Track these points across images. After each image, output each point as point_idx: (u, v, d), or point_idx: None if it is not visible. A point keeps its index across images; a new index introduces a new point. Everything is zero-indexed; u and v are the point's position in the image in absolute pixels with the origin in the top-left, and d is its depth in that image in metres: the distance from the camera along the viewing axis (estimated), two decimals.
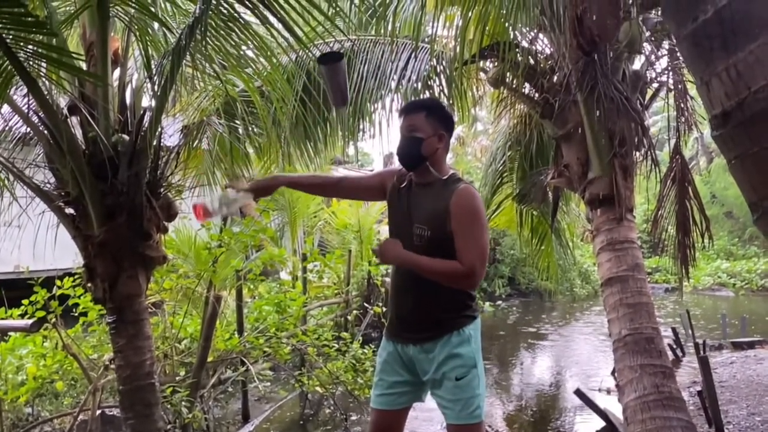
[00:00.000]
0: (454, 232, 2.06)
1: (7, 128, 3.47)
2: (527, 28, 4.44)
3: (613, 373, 5.23)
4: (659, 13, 4.21)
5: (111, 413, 4.70)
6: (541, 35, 4.71)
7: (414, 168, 2.22)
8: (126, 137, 2.92)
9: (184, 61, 2.87)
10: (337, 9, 3.34)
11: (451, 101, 4.89)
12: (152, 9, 3.16)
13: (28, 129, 3.06)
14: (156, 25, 3.33)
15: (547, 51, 4.78)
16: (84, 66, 2.99)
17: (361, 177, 2.43)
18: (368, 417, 2.49)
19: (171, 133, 4.12)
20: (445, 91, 4.88)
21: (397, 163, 2.34)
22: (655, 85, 4.91)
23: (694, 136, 17.00)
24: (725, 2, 1.65)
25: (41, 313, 4.45)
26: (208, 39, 2.87)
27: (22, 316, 4.68)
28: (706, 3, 1.70)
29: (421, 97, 4.80)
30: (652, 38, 4.77)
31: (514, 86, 4.95)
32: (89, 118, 2.84)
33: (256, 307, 6.46)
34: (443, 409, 2.19)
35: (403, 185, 2.27)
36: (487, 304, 13.37)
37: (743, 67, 1.64)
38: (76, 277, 4.64)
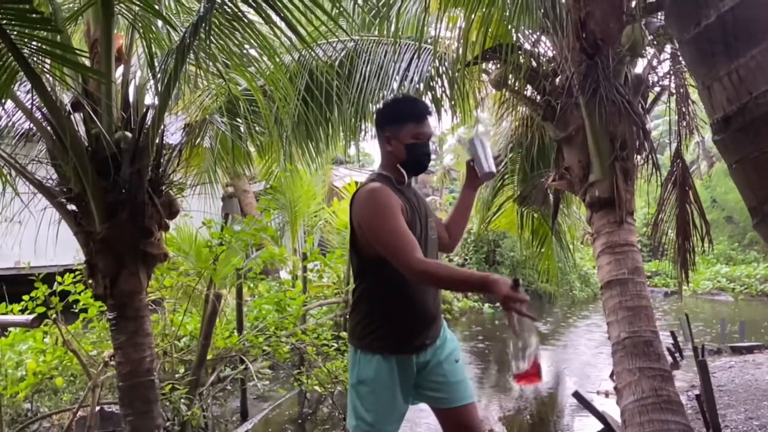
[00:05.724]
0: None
1: (10, 124, 3.48)
2: (530, 31, 4.45)
3: (611, 375, 5.24)
4: (662, 16, 4.22)
5: (110, 410, 4.70)
6: (543, 38, 4.71)
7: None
8: (129, 134, 2.93)
9: (188, 59, 2.88)
10: (341, 9, 3.35)
11: (453, 102, 4.90)
12: (156, 7, 3.17)
13: (32, 125, 3.08)
14: (160, 23, 3.34)
15: (550, 54, 4.79)
16: (88, 63, 3.00)
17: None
18: None
19: (173, 131, 4.13)
20: (448, 92, 4.89)
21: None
22: (657, 88, 4.90)
23: (696, 140, 17.01)
24: (728, 7, 1.66)
25: (41, 309, 4.46)
26: (211, 37, 2.88)
27: (22, 311, 4.70)
28: (709, 8, 1.71)
29: (423, 99, 4.81)
30: (655, 42, 4.77)
31: (516, 88, 4.96)
32: (92, 114, 2.85)
33: (256, 306, 6.47)
34: (448, 394, 2.16)
35: (400, 185, 2.17)
36: (486, 306, 13.37)
37: (745, 72, 1.65)
38: (76, 273, 4.66)
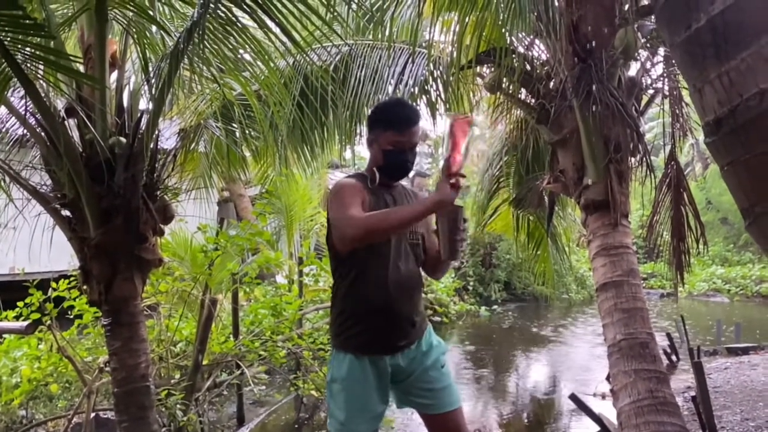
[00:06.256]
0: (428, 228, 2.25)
1: (4, 130, 3.48)
2: (523, 34, 4.47)
3: (607, 377, 5.24)
4: (655, 20, 4.24)
5: (105, 416, 4.68)
6: (537, 41, 4.73)
7: (405, 177, 2.26)
8: (123, 140, 2.93)
9: (182, 64, 2.88)
10: (335, 14, 3.36)
11: (447, 106, 4.91)
12: (150, 12, 3.17)
13: (25, 131, 3.07)
14: (154, 28, 3.34)
15: (543, 57, 4.81)
16: (82, 68, 3.00)
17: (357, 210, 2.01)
18: None
19: (168, 136, 4.12)
20: (442, 95, 4.90)
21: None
22: (651, 91, 4.93)
23: (690, 142, 17.06)
24: (718, 11, 1.67)
25: (36, 316, 4.44)
26: (205, 42, 2.88)
27: (17, 318, 4.68)
28: (699, 11, 1.71)
29: (419, 102, 4.82)
30: (648, 45, 4.79)
31: (510, 92, 4.97)
32: (86, 120, 2.85)
33: (252, 311, 6.47)
34: (433, 400, 2.18)
35: (372, 185, 2.18)
36: (483, 308, 13.38)
37: (735, 74, 1.66)
38: (71, 279, 4.64)
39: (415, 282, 2.19)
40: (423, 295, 2.33)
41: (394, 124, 2.13)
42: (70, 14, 3.15)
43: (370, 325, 2.10)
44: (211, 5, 2.71)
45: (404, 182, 2.36)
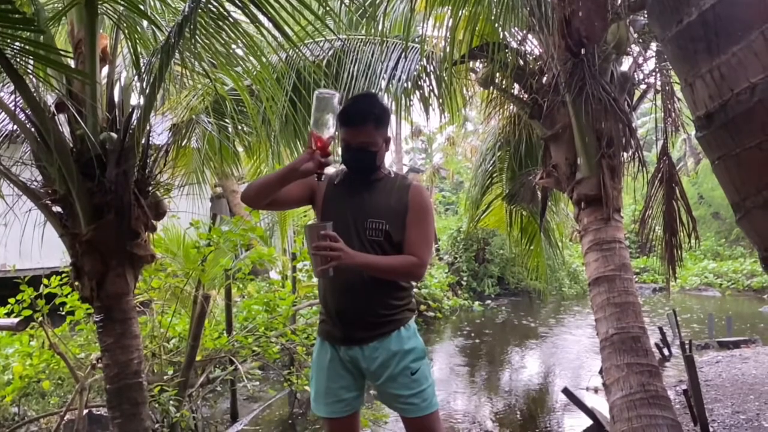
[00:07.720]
0: (410, 224, 2.15)
1: None
2: (516, 29, 4.47)
3: (600, 371, 5.28)
4: (646, 14, 4.25)
5: (98, 412, 4.67)
6: (530, 36, 4.73)
7: (368, 176, 2.22)
8: (114, 135, 2.90)
9: (173, 59, 2.86)
10: (327, 8, 3.34)
11: (441, 101, 4.91)
12: (141, 7, 3.14)
13: (15, 126, 3.04)
14: (145, 22, 3.31)
15: (536, 52, 4.81)
16: (72, 63, 2.97)
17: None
18: None
19: (160, 132, 4.10)
20: (435, 91, 4.90)
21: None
22: (643, 86, 4.95)
23: (682, 137, 17.15)
24: (709, 5, 1.68)
25: (28, 312, 4.42)
26: (197, 37, 2.86)
27: (8, 314, 4.65)
28: (690, 5, 1.72)
29: (411, 98, 4.81)
30: (640, 40, 4.81)
31: (503, 87, 4.98)
32: (77, 115, 2.82)
33: (245, 306, 6.45)
34: (402, 405, 2.20)
35: (337, 180, 2.21)
36: (476, 303, 13.42)
37: (726, 69, 1.67)
38: (63, 275, 4.62)
39: (371, 280, 2.12)
40: (412, 291, 2.31)
41: (341, 122, 2.12)
42: (60, 8, 3.12)
43: (324, 314, 2.29)
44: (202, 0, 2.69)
45: (412, 175, 2.35)
